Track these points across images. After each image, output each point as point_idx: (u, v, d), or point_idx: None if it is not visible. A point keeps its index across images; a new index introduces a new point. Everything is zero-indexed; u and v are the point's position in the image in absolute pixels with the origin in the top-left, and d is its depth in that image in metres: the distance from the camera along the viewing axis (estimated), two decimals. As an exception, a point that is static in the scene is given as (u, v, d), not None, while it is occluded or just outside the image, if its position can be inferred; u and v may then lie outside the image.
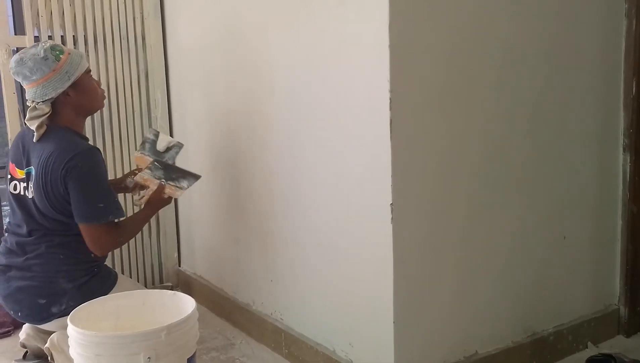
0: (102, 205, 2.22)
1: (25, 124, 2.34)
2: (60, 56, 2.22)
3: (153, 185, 2.44)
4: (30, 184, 2.25)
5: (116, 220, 2.29)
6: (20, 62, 2.22)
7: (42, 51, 2.20)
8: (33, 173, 2.24)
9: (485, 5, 2.05)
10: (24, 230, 2.30)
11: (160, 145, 2.52)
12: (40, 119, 2.23)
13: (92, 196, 2.21)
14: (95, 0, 2.96)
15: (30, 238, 2.28)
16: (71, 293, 2.24)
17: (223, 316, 2.88)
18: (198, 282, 3.10)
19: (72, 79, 2.23)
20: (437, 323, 2.09)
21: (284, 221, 2.44)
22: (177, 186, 2.46)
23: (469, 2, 2.01)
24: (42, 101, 2.22)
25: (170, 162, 2.53)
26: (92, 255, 2.30)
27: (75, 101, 2.27)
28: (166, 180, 2.44)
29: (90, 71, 2.38)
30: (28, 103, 2.29)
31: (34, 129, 2.24)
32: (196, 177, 2.50)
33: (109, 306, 2.07)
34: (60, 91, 2.22)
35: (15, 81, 2.37)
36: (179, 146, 2.58)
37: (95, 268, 2.33)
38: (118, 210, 2.26)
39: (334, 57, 2.09)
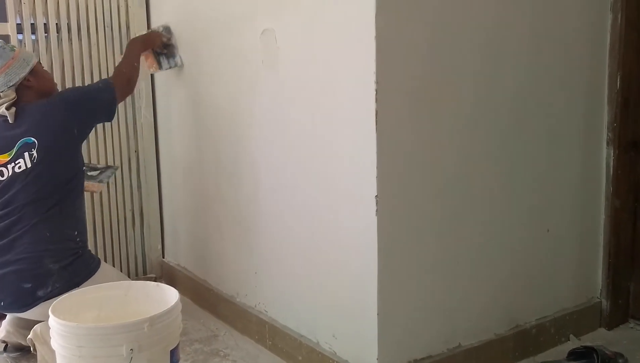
0: (100, 84, 2.56)
1: None
2: (15, 48, 2.42)
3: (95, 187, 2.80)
4: (26, 156, 2.31)
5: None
6: None
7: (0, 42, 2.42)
8: (32, 140, 2.31)
9: (471, -2, 2.05)
10: (9, 210, 2.31)
11: (92, 171, 2.82)
12: (7, 104, 2.34)
13: (91, 89, 2.54)
14: (78, -13, 2.93)
15: (16, 216, 2.30)
16: (57, 274, 2.28)
17: (207, 308, 2.87)
18: (182, 274, 3.08)
19: (30, 65, 2.38)
20: (421, 316, 2.10)
21: (268, 213, 2.43)
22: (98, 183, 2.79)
23: (455, -6, 2.01)
24: (8, 88, 2.33)
25: (105, 181, 2.84)
26: (76, 233, 2.39)
27: (35, 85, 2.41)
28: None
29: (40, 63, 2.57)
30: None
31: (5, 110, 2.33)
32: (113, 169, 2.89)
33: (92, 298, 2.05)
34: (22, 75, 2.36)
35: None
36: (114, 168, 2.92)
37: (79, 250, 2.38)
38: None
39: (321, 48, 2.08)
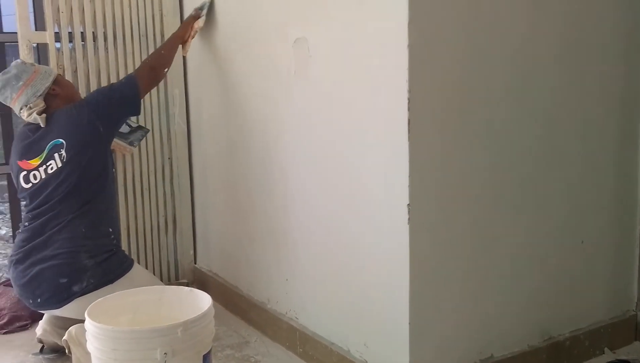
0: (123, 80, 2.68)
1: (24, 125, 2.60)
2: (35, 64, 2.60)
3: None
4: (56, 156, 2.44)
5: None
6: (4, 74, 2.53)
7: (18, 61, 2.59)
8: (61, 141, 2.45)
9: (503, 4, 2.04)
10: (44, 208, 2.44)
11: (122, 126, 2.84)
12: (38, 110, 2.49)
13: (113, 87, 2.63)
14: (115, -3, 2.99)
15: (52, 213, 2.43)
16: (92, 270, 2.38)
17: (238, 315, 2.89)
18: (213, 280, 3.11)
19: (53, 76, 2.55)
20: (453, 325, 2.09)
21: (299, 220, 2.44)
22: (128, 144, 2.90)
23: (487, 2, 2.00)
24: (36, 98, 2.49)
25: (135, 144, 2.93)
26: (110, 230, 2.51)
27: (61, 93, 2.56)
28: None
29: (61, 75, 2.75)
30: (22, 113, 2.53)
31: (37, 116, 2.47)
32: (144, 131, 2.95)
33: (127, 301, 2.08)
34: (47, 85, 2.52)
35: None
36: (145, 130, 2.97)
37: (114, 248, 2.50)
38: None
39: (353, 56, 2.08)
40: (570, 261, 2.34)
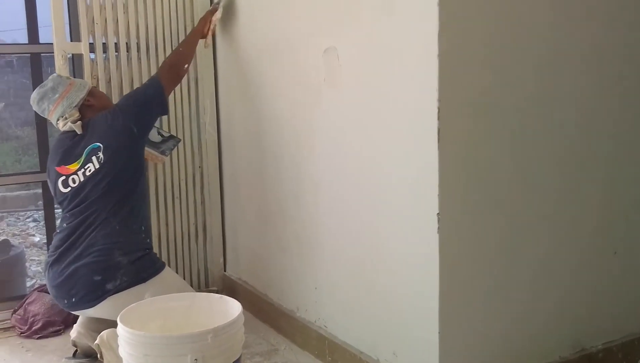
0: (147, 82, 2.79)
1: (61, 134, 2.68)
2: (70, 78, 2.72)
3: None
4: (94, 159, 2.55)
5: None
6: (42, 87, 2.63)
7: (54, 75, 2.69)
8: (98, 144, 2.56)
9: (531, 12, 2.03)
10: (81, 208, 2.53)
11: (154, 135, 2.92)
12: (73, 119, 2.60)
13: (139, 90, 2.75)
14: (147, 8, 3.03)
15: (88, 212, 2.52)
16: (125, 268, 2.45)
17: (267, 322, 2.90)
18: (243, 288, 3.13)
19: (87, 88, 2.66)
20: (482, 335, 2.07)
21: (329, 228, 2.45)
22: (160, 153, 2.94)
23: (516, 9, 2.00)
24: (71, 108, 2.60)
25: (167, 153, 2.96)
26: (143, 228, 2.59)
27: (95, 104, 2.66)
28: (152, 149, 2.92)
29: (96, 87, 2.88)
30: (58, 124, 2.64)
31: (72, 124, 2.58)
32: (175, 140, 3.00)
33: (158, 307, 2.11)
34: (82, 96, 2.63)
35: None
36: (177, 140, 3.02)
37: (147, 248, 2.57)
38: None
39: (382, 65, 2.09)
40: (602, 272, 2.31)
